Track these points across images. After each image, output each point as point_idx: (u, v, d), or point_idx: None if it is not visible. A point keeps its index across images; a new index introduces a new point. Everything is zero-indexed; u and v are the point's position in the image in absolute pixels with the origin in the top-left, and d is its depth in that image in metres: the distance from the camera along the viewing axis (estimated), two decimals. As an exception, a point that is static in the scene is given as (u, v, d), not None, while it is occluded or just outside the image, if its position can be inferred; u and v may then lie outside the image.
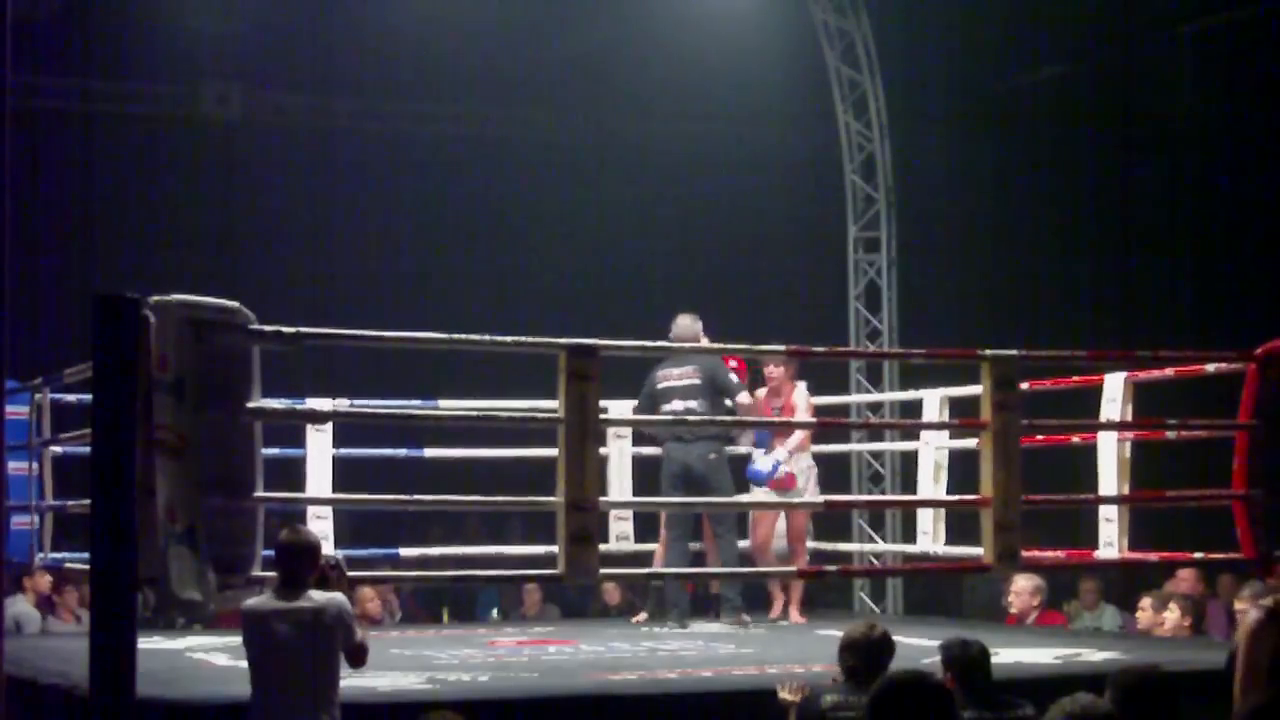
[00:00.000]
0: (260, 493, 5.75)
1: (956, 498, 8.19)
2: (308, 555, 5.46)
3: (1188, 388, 8.07)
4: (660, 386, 8.77)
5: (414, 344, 7.40)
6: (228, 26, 12.90)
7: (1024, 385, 7.35)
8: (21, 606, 9.41)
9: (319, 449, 8.43)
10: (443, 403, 8.91)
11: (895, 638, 7.27)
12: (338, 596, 5.46)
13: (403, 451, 9.16)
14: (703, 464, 8.60)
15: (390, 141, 13.78)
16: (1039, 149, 13.80)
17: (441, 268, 13.61)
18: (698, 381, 8.67)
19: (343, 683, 5.42)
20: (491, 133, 13.99)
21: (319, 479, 8.42)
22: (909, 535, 9.08)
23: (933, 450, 8.74)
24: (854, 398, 11.04)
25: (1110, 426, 7.75)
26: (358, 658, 5.45)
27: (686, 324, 8.80)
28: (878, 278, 11.56)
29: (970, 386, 7.70)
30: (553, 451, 6.21)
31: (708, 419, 8.48)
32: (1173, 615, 8.59)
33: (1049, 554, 8.09)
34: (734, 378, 8.74)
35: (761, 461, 8.72)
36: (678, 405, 8.60)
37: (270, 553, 5.61)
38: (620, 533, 9.12)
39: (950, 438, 8.67)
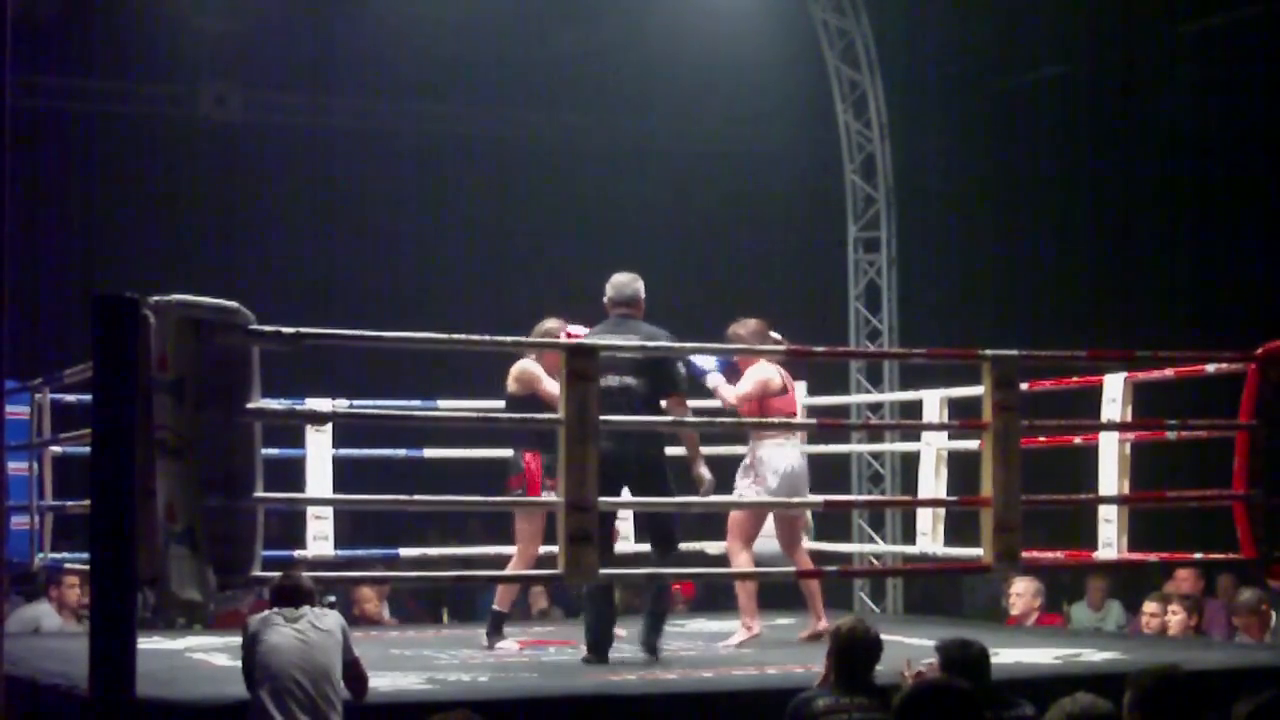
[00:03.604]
0: (260, 493, 5.75)
1: (956, 498, 8.19)
2: (305, 593, 5.60)
3: (1188, 388, 8.07)
4: None
5: (414, 344, 7.40)
6: (228, 26, 12.89)
7: (1024, 385, 7.35)
8: (43, 609, 9.38)
9: (319, 449, 8.44)
10: (442, 403, 8.91)
11: (895, 638, 7.32)
12: (335, 612, 5.63)
13: (402, 452, 9.16)
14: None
15: (390, 141, 13.78)
16: (1039, 149, 13.80)
17: (442, 267, 13.61)
18: (639, 356, 7.21)
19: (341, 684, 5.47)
20: (491, 133, 13.98)
21: (319, 479, 8.42)
22: (909, 535, 9.08)
23: (933, 451, 8.74)
24: (854, 398, 11.04)
25: (1110, 427, 7.75)
26: (359, 680, 5.53)
27: (626, 281, 7.53)
28: (878, 278, 11.56)
29: (971, 387, 7.70)
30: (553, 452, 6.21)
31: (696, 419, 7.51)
32: (1177, 616, 8.60)
33: (1049, 554, 8.10)
34: (682, 369, 7.42)
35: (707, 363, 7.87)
36: (611, 380, 7.05)
37: (269, 554, 5.64)
38: (619, 533, 9.11)
39: (950, 438, 8.66)
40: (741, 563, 7.82)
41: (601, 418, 6.26)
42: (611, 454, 7.03)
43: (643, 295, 7.47)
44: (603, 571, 6.44)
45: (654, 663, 7.21)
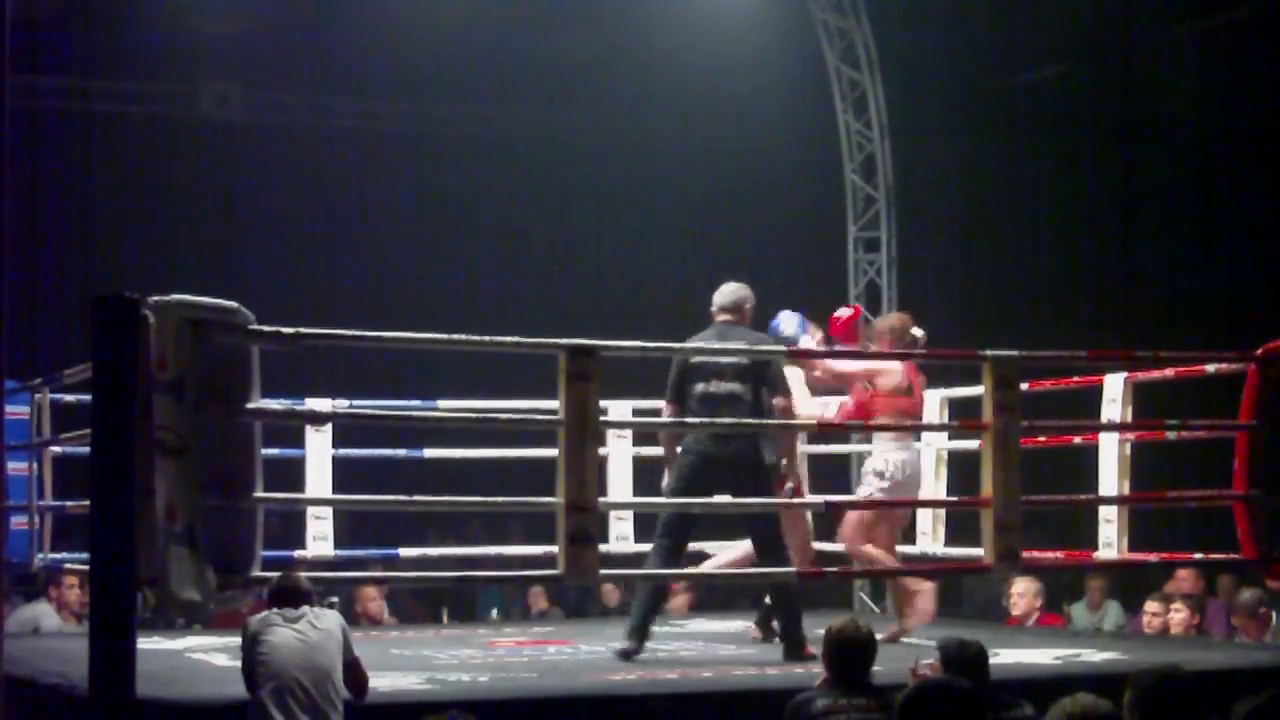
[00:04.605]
0: (260, 493, 5.75)
1: (957, 498, 8.20)
2: (302, 594, 5.60)
3: (1188, 388, 8.07)
4: (694, 361, 7.31)
5: (414, 344, 7.40)
6: (228, 26, 12.90)
7: (1024, 385, 7.35)
8: (42, 608, 9.38)
9: (318, 449, 8.43)
10: (442, 403, 8.90)
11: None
12: (335, 612, 5.64)
13: (402, 452, 9.15)
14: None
15: (390, 141, 13.79)
16: (1039, 149, 13.80)
17: (441, 268, 13.61)
18: (744, 361, 7.25)
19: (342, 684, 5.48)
20: (491, 133, 13.99)
21: (319, 479, 8.42)
22: (909, 535, 9.08)
23: (933, 451, 8.73)
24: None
25: (1110, 427, 7.75)
26: (358, 681, 5.54)
27: (731, 289, 7.50)
28: (878, 278, 11.56)
29: (971, 387, 7.69)
30: (553, 452, 6.21)
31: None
32: (1180, 614, 8.60)
33: (1049, 554, 8.09)
34: (784, 373, 7.39)
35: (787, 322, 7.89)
36: (712, 387, 7.26)
37: (269, 554, 5.64)
38: (620, 533, 9.11)
39: (950, 439, 8.66)
40: (866, 557, 7.71)
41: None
42: (711, 456, 7.22)
43: (748, 304, 7.53)
44: (603, 572, 6.44)
45: (653, 661, 7.21)
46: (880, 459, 7.86)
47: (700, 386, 7.26)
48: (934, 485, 8.74)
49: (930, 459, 8.76)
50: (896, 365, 7.84)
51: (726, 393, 7.21)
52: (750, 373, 7.22)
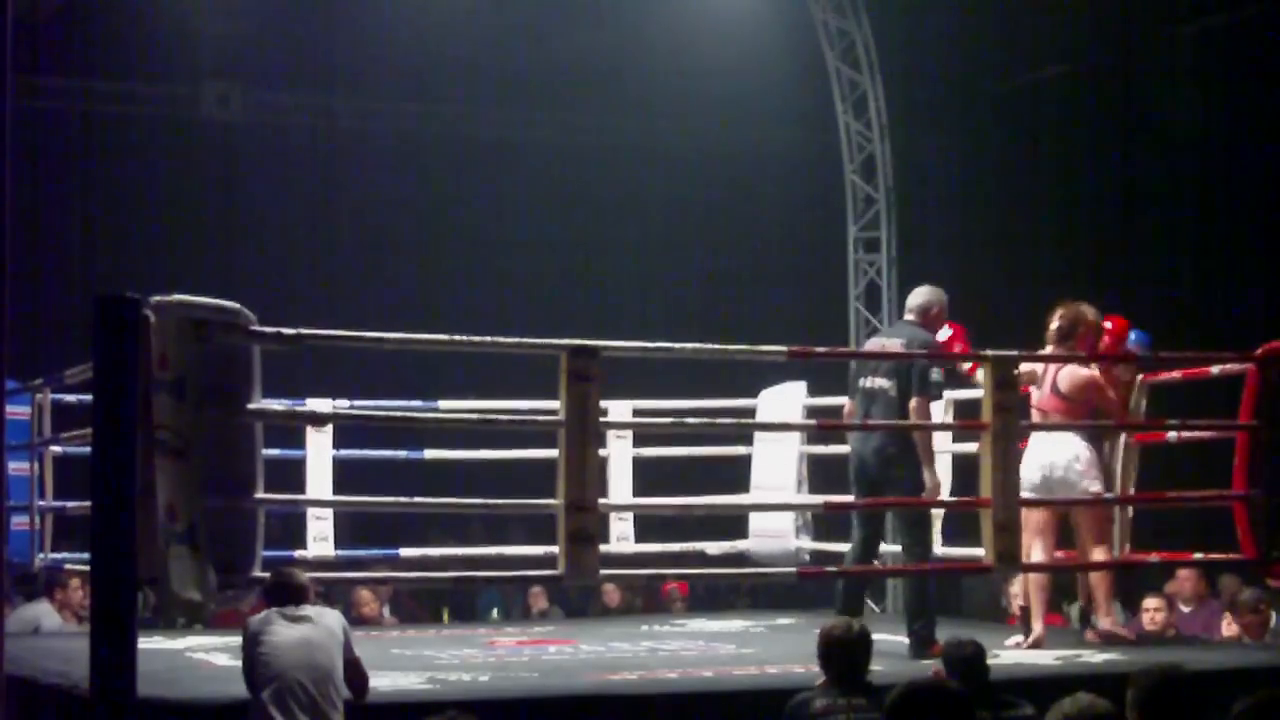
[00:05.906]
0: (261, 493, 5.75)
1: (956, 499, 8.18)
2: (298, 589, 5.61)
3: (1188, 388, 8.07)
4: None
5: (414, 344, 7.40)
6: (228, 26, 12.90)
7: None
8: (43, 608, 9.38)
9: (319, 450, 8.44)
10: (443, 404, 8.91)
11: (896, 638, 7.32)
12: (336, 611, 5.64)
13: (403, 453, 9.16)
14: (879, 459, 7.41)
15: (390, 142, 13.79)
16: (1039, 149, 13.81)
17: (441, 268, 13.62)
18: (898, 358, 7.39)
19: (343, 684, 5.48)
20: (492, 133, 13.99)
21: (319, 480, 8.42)
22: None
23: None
24: (854, 398, 11.02)
25: (1111, 427, 7.74)
26: (359, 680, 5.54)
27: (918, 291, 7.75)
28: (878, 278, 11.55)
29: (976, 391, 7.67)
30: (553, 452, 6.22)
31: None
32: (1244, 620, 8.53)
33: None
34: (935, 374, 7.42)
35: None
36: (868, 382, 7.50)
37: (269, 554, 5.64)
38: (620, 533, 9.13)
39: (952, 440, 8.65)
40: (1099, 556, 7.60)
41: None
42: (853, 453, 7.55)
43: (934, 309, 7.62)
44: (603, 572, 6.45)
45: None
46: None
47: (861, 381, 7.53)
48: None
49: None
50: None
51: (877, 388, 7.46)
52: (899, 371, 7.42)
